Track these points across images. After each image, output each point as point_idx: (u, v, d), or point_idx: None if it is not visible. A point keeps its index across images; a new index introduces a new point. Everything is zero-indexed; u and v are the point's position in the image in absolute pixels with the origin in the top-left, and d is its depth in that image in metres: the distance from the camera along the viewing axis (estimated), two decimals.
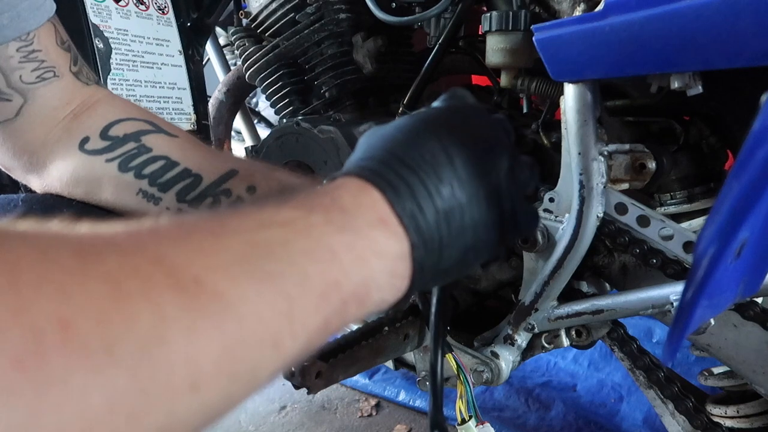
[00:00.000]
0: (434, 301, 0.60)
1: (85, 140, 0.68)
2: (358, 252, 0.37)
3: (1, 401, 0.21)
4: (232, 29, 1.05)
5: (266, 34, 1.00)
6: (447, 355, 0.61)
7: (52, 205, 0.67)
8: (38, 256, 0.25)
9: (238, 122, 1.31)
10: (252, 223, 0.34)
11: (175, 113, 1.04)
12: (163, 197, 0.67)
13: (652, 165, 0.69)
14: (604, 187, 0.68)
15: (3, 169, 0.73)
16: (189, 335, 0.27)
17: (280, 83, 0.99)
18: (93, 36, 0.94)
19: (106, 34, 0.96)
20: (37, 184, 0.70)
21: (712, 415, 0.78)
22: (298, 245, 0.34)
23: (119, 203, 0.68)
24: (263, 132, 1.38)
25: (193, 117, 1.06)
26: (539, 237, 0.71)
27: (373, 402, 1.55)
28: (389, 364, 0.86)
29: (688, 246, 0.66)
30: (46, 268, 0.25)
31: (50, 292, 0.24)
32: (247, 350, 0.30)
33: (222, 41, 1.44)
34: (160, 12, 1.05)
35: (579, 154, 0.67)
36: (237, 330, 0.29)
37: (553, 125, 0.83)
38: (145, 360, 0.25)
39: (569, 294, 0.74)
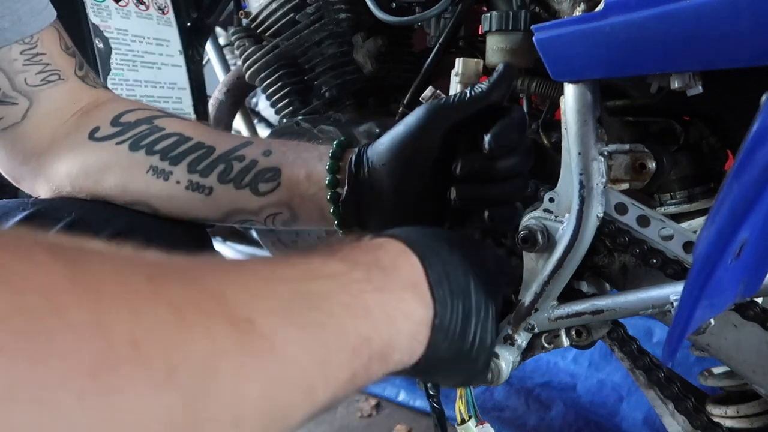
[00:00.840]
0: None
1: (95, 130, 0.68)
2: (389, 311, 0.40)
3: (74, 401, 0.23)
4: (232, 29, 1.05)
5: (266, 34, 1.00)
6: None
7: (58, 207, 0.66)
8: (117, 277, 0.27)
9: (238, 122, 1.31)
10: (301, 272, 0.37)
11: (175, 113, 1.04)
12: (174, 170, 0.66)
13: (652, 165, 0.69)
14: (604, 187, 0.68)
15: (12, 181, 0.71)
16: (238, 371, 0.29)
17: (280, 83, 0.99)
18: (93, 36, 0.94)
19: (106, 34, 0.96)
20: (46, 188, 0.69)
21: (712, 415, 0.78)
22: (339, 299, 0.37)
23: (126, 187, 0.67)
24: (263, 132, 1.38)
25: (193, 117, 1.06)
26: (539, 237, 0.71)
27: (373, 402, 1.55)
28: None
29: (688, 246, 0.66)
30: (123, 290, 0.27)
31: (125, 313, 0.26)
32: (285, 393, 0.32)
33: (222, 41, 1.44)
34: (160, 12, 1.05)
35: (579, 154, 0.67)
36: (279, 372, 0.31)
37: (553, 125, 0.83)
38: (198, 388, 0.27)
39: (569, 294, 0.74)
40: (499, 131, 0.58)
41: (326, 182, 0.64)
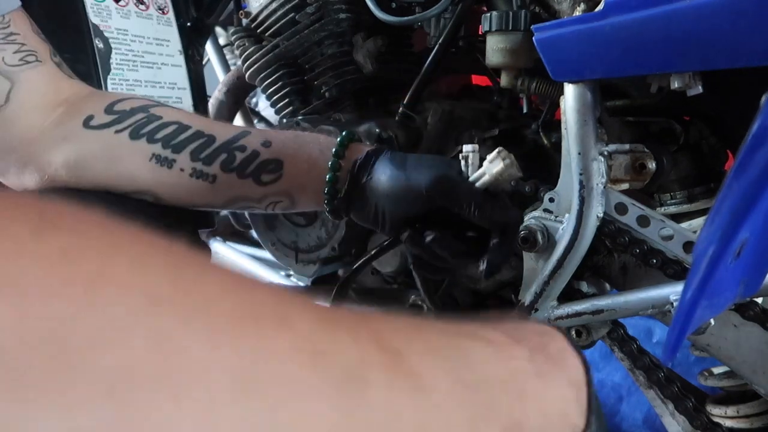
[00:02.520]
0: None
1: (90, 118, 0.67)
2: (545, 406, 0.34)
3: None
4: (232, 29, 1.05)
5: (266, 34, 1.00)
6: None
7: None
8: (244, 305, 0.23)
9: (238, 122, 1.31)
10: (456, 330, 0.32)
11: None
12: (177, 158, 0.67)
13: (652, 165, 0.69)
14: (604, 187, 0.68)
15: None
16: (389, 388, 0.25)
17: (280, 83, 0.99)
18: (93, 36, 0.94)
19: (106, 34, 0.96)
20: (34, 180, 0.67)
21: (712, 415, 0.78)
22: (495, 369, 0.32)
23: (132, 176, 0.67)
24: None
25: None
26: (539, 237, 0.71)
27: None
28: None
29: (688, 246, 0.66)
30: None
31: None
32: None
33: (222, 41, 1.43)
34: (160, 12, 1.05)
35: (579, 154, 0.67)
36: (427, 414, 0.26)
37: (553, 125, 0.83)
38: (352, 394, 0.23)
39: (569, 294, 0.74)
40: (491, 260, 0.67)
41: (327, 179, 0.68)
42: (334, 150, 0.68)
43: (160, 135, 0.67)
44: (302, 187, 0.69)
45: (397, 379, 0.25)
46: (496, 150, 0.67)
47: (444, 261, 0.68)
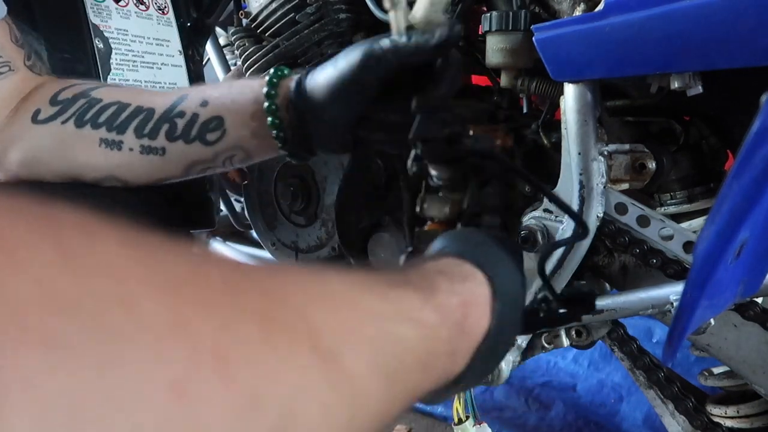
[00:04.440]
0: None
1: (37, 112, 0.69)
2: (446, 372, 0.38)
3: (152, 425, 0.18)
4: (232, 29, 1.05)
5: (266, 34, 1.00)
6: None
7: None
8: (192, 275, 0.23)
9: None
10: (392, 311, 0.33)
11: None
12: (124, 139, 0.68)
13: (652, 165, 0.69)
14: (604, 187, 0.68)
15: None
16: (323, 413, 0.25)
17: None
18: (93, 36, 0.94)
19: (106, 34, 0.96)
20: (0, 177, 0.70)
21: (712, 415, 0.78)
22: (419, 355, 0.34)
23: (87, 163, 0.68)
24: None
25: None
26: (539, 237, 0.71)
27: None
28: None
29: (688, 246, 0.66)
30: (201, 290, 0.22)
31: (205, 317, 0.21)
32: None
33: (222, 41, 1.43)
34: (160, 12, 1.05)
35: (579, 154, 0.67)
36: (358, 421, 0.28)
37: (553, 125, 0.83)
38: (280, 427, 0.23)
39: None
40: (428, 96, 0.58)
41: (268, 122, 0.65)
42: (265, 91, 0.65)
43: (102, 118, 0.68)
44: (248, 136, 0.68)
45: (334, 391, 0.26)
46: None
47: (395, 131, 0.61)
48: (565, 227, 0.70)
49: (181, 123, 0.68)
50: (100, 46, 0.95)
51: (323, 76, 0.62)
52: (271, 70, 0.67)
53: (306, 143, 0.66)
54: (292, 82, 0.65)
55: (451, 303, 0.37)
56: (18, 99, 0.70)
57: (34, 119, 0.68)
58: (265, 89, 0.65)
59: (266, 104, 0.65)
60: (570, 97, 0.65)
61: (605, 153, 0.67)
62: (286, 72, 0.67)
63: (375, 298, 0.32)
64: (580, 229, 0.62)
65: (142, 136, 0.68)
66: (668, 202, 0.79)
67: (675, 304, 0.62)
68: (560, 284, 0.72)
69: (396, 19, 0.56)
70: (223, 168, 0.72)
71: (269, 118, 0.65)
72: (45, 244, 0.19)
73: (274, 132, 0.65)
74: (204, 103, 0.68)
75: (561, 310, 0.53)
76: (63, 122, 0.68)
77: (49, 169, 0.69)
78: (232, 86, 0.70)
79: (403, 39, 0.56)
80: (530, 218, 0.72)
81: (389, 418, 0.31)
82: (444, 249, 0.45)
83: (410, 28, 0.56)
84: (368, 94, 0.60)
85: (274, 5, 0.97)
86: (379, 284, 0.34)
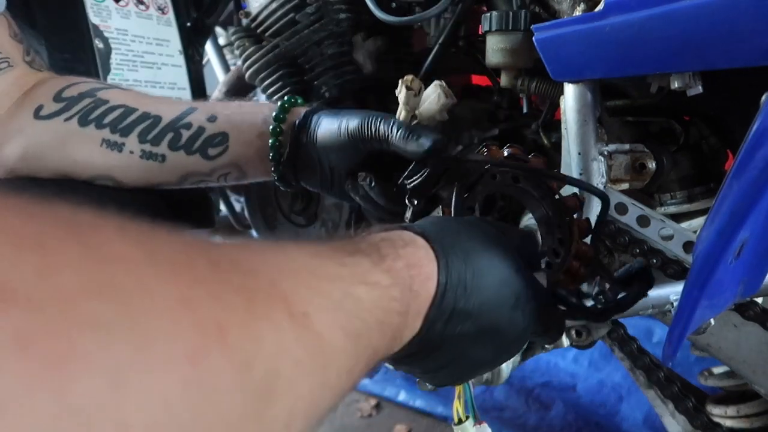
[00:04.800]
0: None
1: (40, 108, 0.69)
2: (400, 333, 0.40)
3: (180, 391, 0.21)
4: (232, 29, 1.05)
5: (266, 34, 1.00)
6: None
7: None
8: (184, 257, 0.26)
9: None
10: (350, 274, 0.36)
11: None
12: (126, 141, 0.69)
13: (652, 165, 0.69)
14: (605, 187, 0.68)
15: None
16: (296, 370, 0.28)
17: (280, 83, 0.99)
18: (93, 36, 0.94)
19: (106, 34, 0.96)
20: None
21: (712, 415, 0.78)
22: (376, 314, 0.36)
23: (84, 161, 0.69)
24: None
25: None
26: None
27: (373, 402, 1.55)
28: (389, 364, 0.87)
29: (688, 246, 0.66)
30: (193, 269, 0.25)
31: (204, 293, 0.24)
32: (326, 395, 0.31)
33: (222, 41, 1.43)
34: (160, 12, 1.05)
35: (579, 154, 0.67)
36: (324, 375, 0.31)
37: (553, 125, 0.83)
38: (266, 386, 0.26)
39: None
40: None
41: (270, 143, 0.68)
42: (274, 114, 0.69)
43: (107, 120, 0.68)
44: (248, 156, 0.70)
45: (305, 349, 0.29)
46: (401, 80, 0.63)
47: (382, 207, 0.66)
48: None
49: (186, 134, 0.69)
50: (100, 46, 0.95)
51: (325, 124, 0.67)
52: (286, 97, 0.71)
53: (297, 174, 0.70)
54: (300, 114, 0.69)
55: (398, 265, 0.40)
56: (18, 94, 0.70)
57: (36, 114, 0.69)
58: (275, 112, 0.69)
59: (272, 125, 0.68)
60: (570, 97, 0.65)
61: (605, 153, 0.67)
62: (299, 101, 0.71)
63: (334, 264, 0.36)
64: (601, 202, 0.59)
65: (145, 141, 0.69)
66: (668, 202, 0.79)
67: (675, 304, 0.62)
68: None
69: (403, 115, 0.63)
70: (215, 183, 0.74)
71: (271, 139, 0.68)
72: (68, 238, 0.21)
73: (272, 153, 0.69)
74: (212, 118, 0.70)
75: (621, 295, 0.51)
76: (66, 119, 0.68)
77: (46, 165, 0.69)
78: (242, 106, 0.73)
79: (398, 135, 0.61)
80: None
81: (357, 375, 0.35)
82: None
83: (413, 117, 0.63)
84: (356, 157, 0.65)
85: (274, 5, 0.97)
86: (336, 252, 0.37)
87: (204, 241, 0.29)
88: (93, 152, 0.69)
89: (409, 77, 0.63)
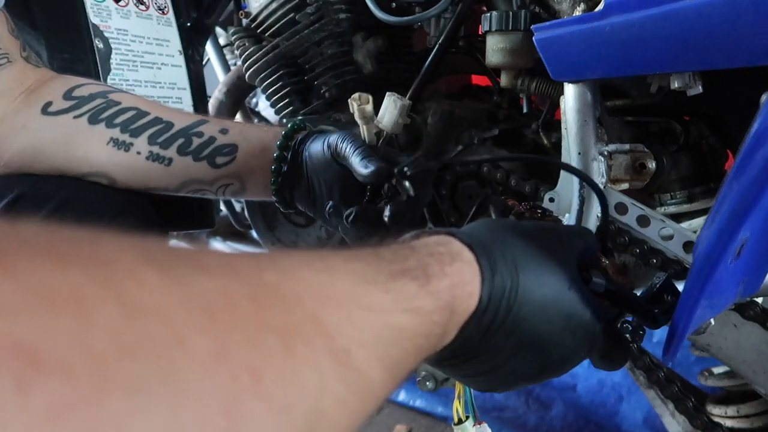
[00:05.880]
0: None
1: (48, 104, 0.69)
2: (446, 328, 0.39)
3: None
4: (232, 29, 1.05)
5: (266, 34, 1.00)
6: None
7: (43, 188, 0.67)
8: (225, 298, 0.25)
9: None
10: (393, 301, 0.35)
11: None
12: (135, 142, 0.69)
13: (652, 165, 0.69)
14: (605, 187, 0.68)
15: None
16: (341, 410, 0.28)
17: (280, 83, 0.99)
18: (93, 36, 0.94)
19: (106, 34, 0.96)
20: None
21: (712, 415, 0.78)
22: (418, 341, 0.36)
23: (89, 158, 0.69)
24: None
25: None
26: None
27: None
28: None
29: (688, 246, 0.66)
30: (232, 311, 0.25)
31: (239, 337, 0.24)
32: (364, 421, 0.31)
33: (222, 41, 1.43)
34: (160, 12, 1.05)
35: (579, 154, 0.67)
36: (367, 410, 0.30)
37: (553, 125, 0.83)
38: (311, 427, 0.25)
39: None
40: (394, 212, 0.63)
41: (274, 156, 0.70)
42: (283, 132, 0.70)
43: (119, 120, 0.69)
44: (253, 170, 0.71)
45: (349, 388, 0.28)
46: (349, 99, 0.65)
47: (367, 234, 0.67)
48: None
49: (197, 141, 0.70)
50: (100, 46, 0.95)
51: (315, 143, 0.69)
52: (298, 119, 0.73)
53: (292, 192, 0.72)
54: (303, 134, 0.71)
55: (443, 285, 0.39)
56: (19, 90, 0.70)
57: (45, 111, 0.69)
58: (284, 131, 0.71)
59: (279, 141, 0.70)
60: (570, 97, 0.65)
61: (605, 153, 0.67)
62: (306, 124, 0.73)
63: (378, 292, 0.34)
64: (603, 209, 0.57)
65: (155, 143, 0.69)
66: (668, 202, 0.79)
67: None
68: None
69: (366, 131, 0.65)
70: (214, 195, 0.74)
71: (276, 153, 0.70)
72: (104, 294, 0.21)
73: (273, 166, 0.70)
74: (224, 131, 0.72)
75: (654, 310, 0.47)
76: (76, 117, 0.69)
77: (42, 160, 0.69)
78: (254, 125, 0.76)
79: (354, 160, 0.62)
80: None
81: (388, 396, 0.34)
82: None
83: (379, 133, 0.66)
84: (336, 174, 0.67)
85: (274, 5, 0.97)
86: (380, 275, 0.36)
87: (248, 272, 0.28)
88: (97, 150, 0.69)
89: (355, 95, 0.65)
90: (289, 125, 0.71)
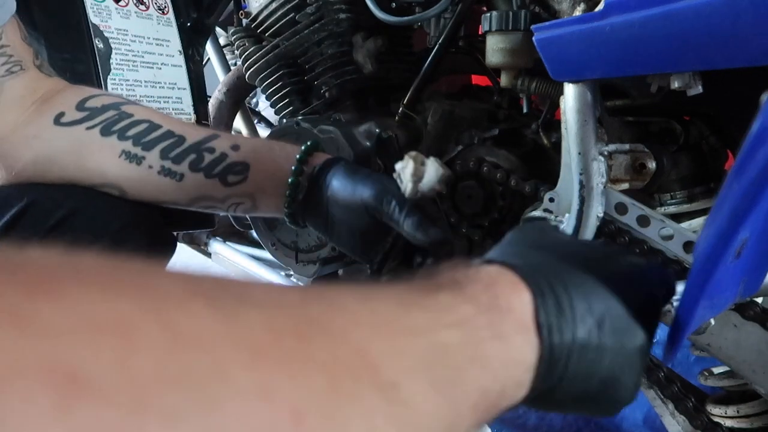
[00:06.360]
0: None
1: (61, 115, 0.69)
2: (504, 360, 0.36)
3: None
4: (232, 29, 1.05)
5: (266, 34, 1.00)
6: None
7: (52, 197, 0.67)
8: (271, 333, 0.25)
9: (238, 122, 1.31)
10: (432, 320, 0.33)
11: (175, 113, 1.04)
12: (147, 156, 0.69)
13: (652, 165, 0.69)
14: (604, 187, 0.68)
15: None
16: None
17: (280, 83, 0.99)
18: (93, 36, 0.94)
19: (106, 34, 0.96)
20: (1, 175, 0.70)
21: (712, 415, 0.78)
22: (466, 352, 0.34)
23: (100, 170, 0.69)
24: (263, 132, 1.38)
25: (193, 117, 1.06)
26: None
27: None
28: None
29: (688, 246, 0.66)
30: (277, 347, 0.25)
31: (284, 376, 0.24)
32: None
33: (222, 41, 1.43)
34: (160, 12, 1.05)
35: (579, 154, 0.67)
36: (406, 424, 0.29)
37: (553, 125, 0.83)
38: None
39: None
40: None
41: (289, 182, 0.70)
42: (298, 156, 0.70)
43: (131, 132, 0.69)
44: (265, 190, 0.71)
45: (396, 424, 0.27)
46: (406, 155, 0.65)
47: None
48: (564, 227, 0.70)
49: (209, 157, 0.70)
50: (100, 46, 0.95)
51: (341, 183, 0.69)
52: (310, 141, 0.73)
53: (306, 216, 0.72)
54: (321, 160, 0.71)
55: (477, 289, 0.37)
56: (31, 99, 0.70)
57: (57, 121, 0.69)
58: (298, 155, 0.70)
59: (295, 166, 0.70)
60: (570, 97, 0.65)
61: (605, 153, 0.67)
62: (321, 147, 0.74)
63: (417, 311, 0.33)
64: None
65: (166, 158, 0.69)
66: (668, 202, 0.79)
67: (675, 304, 0.61)
68: None
69: (410, 189, 0.65)
70: (224, 211, 0.74)
71: (291, 178, 0.70)
72: (151, 322, 0.21)
73: (288, 191, 0.70)
74: (235, 147, 0.71)
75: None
76: (88, 128, 0.68)
77: (53, 170, 0.69)
78: (265, 142, 0.75)
79: (408, 223, 0.64)
80: (530, 218, 0.72)
81: (465, 425, 0.32)
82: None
83: (414, 190, 0.66)
84: (363, 222, 0.68)
85: (274, 5, 0.97)
86: (416, 294, 0.35)
87: (294, 306, 0.28)
88: (108, 161, 0.69)
89: (412, 153, 0.66)
90: (302, 148, 0.71)
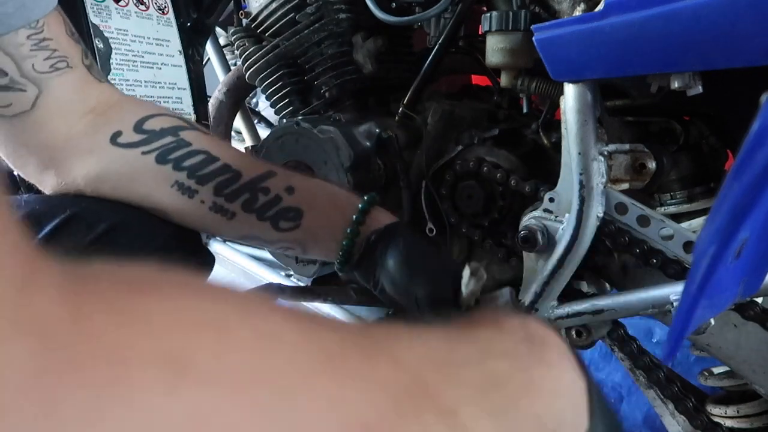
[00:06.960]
0: None
1: (118, 134, 0.67)
2: (552, 385, 0.37)
3: None
4: (232, 29, 1.05)
5: (266, 34, 1.00)
6: None
7: (96, 211, 0.65)
8: (342, 352, 0.27)
9: (238, 122, 1.31)
10: (480, 351, 0.35)
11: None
12: (200, 190, 0.67)
13: (652, 165, 0.69)
14: (604, 187, 0.68)
15: (12, 167, 0.69)
16: None
17: (280, 83, 0.99)
18: (93, 36, 0.94)
19: (106, 34, 0.96)
20: (52, 183, 0.68)
21: (712, 415, 0.78)
22: (516, 379, 0.35)
23: (150, 197, 0.67)
24: (263, 132, 1.38)
25: (193, 117, 1.06)
26: (539, 237, 0.71)
27: None
28: None
29: (688, 246, 0.66)
30: (347, 367, 0.27)
31: (355, 393, 0.26)
32: None
33: (222, 41, 1.44)
34: (160, 12, 1.05)
35: (579, 154, 0.67)
36: None
37: (553, 125, 0.83)
38: None
39: (569, 294, 0.74)
40: None
41: (344, 244, 0.68)
42: (354, 217, 0.69)
43: (186, 163, 0.67)
44: (316, 240, 0.70)
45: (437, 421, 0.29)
46: (480, 269, 0.65)
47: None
48: (564, 227, 0.70)
49: (262, 199, 0.68)
50: (100, 46, 0.95)
51: (394, 268, 0.66)
52: (366, 196, 0.71)
53: (355, 270, 0.70)
54: (380, 228, 0.69)
55: (514, 324, 0.39)
56: (83, 108, 0.67)
57: (114, 140, 0.67)
58: (355, 215, 0.69)
59: (351, 228, 0.68)
60: (570, 97, 0.65)
61: (605, 153, 0.67)
62: (377, 198, 0.71)
63: (467, 343, 0.35)
64: None
65: (219, 194, 0.67)
66: (668, 201, 0.79)
67: (675, 304, 0.61)
68: (560, 284, 0.72)
69: (464, 295, 0.65)
70: (272, 249, 0.74)
71: (345, 241, 0.68)
72: (246, 328, 0.24)
73: (341, 252, 0.69)
74: (290, 190, 0.69)
75: None
76: (144, 153, 0.67)
77: (108, 191, 0.67)
78: (321, 187, 0.73)
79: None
80: (530, 218, 0.72)
81: None
82: None
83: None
84: (410, 305, 0.66)
85: (274, 5, 0.97)
86: (460, 331, 0.37)
87: (359, 329, 0.31)
88: (160, 190, 0.67)
89: (474, 265, 0.65)
90: (360, 207, 0.69)
